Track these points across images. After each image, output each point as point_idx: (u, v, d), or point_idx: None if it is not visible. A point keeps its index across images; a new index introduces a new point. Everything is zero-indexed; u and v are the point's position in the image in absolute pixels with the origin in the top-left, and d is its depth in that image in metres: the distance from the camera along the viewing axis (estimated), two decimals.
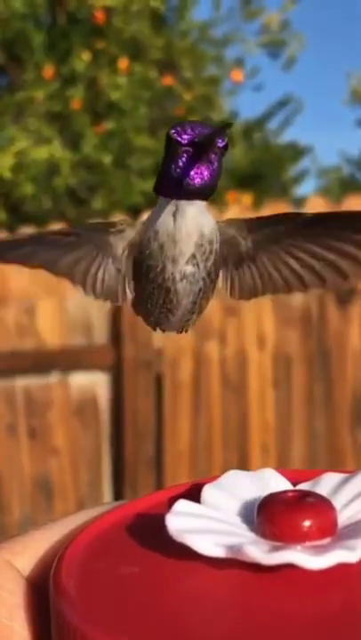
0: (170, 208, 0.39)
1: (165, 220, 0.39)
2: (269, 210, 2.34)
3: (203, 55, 4.66)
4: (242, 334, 2.24)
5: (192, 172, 0.38)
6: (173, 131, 0.39)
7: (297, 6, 5.03)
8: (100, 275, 0.42)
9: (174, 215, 0.39)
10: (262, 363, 2.25)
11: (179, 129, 0.39)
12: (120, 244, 0.41)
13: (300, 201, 3.05)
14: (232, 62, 4.93)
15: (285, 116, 5.14)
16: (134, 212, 3.01)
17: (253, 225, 0.41)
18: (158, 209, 0.40)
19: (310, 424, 2.26)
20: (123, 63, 4.20)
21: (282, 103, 5.12)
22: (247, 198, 3.83)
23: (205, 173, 0.38)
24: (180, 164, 0.38)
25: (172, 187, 0.39)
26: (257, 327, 2.24)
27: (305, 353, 2.25)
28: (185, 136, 0.38)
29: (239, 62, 4.97)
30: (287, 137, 5.20)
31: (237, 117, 5.09)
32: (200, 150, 0.38)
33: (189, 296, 0.41)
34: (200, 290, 0.41)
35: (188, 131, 0.38)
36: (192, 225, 0.39)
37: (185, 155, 0.38)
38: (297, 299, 2.24)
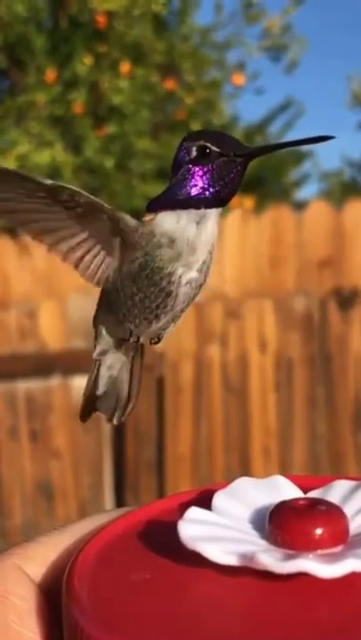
0: (191, 216, 0.39)
1: (187, 227, 0.39)
2: (272, 213, 2.34)
3: (204, 59, 4.66)
4: (243, 337, 2.24)
5: (216, 182, 0.39)
6: (201, 140, 0.39)
7: (298, 10, 5.03)
8: (92, 265, 0.42)
9: (198, 223, 0.39)
10: (264, 366, 2.25)
11: (203, 138, 0.39)
12: (116, 242, 0.41)
13: (301, 204, 3.05)
14: (234, 66, 4.93)
15: (287, 119, 5.14)
16: (136, 215, 3.00)
17: None
18: (175, 215, 0.39)
19: (312, 427, 2.26)
20: (124, 67, 4.21)
21: (283, 107, 5.12)
22: (249, 202, 3.83)
23: (229, 184, 0.39)
24: (204, 174, 0.39)
25: (194, 195, 0.39)
26: (258, 330, 2.24)
27: (306, 356, 2.25)
28: (214, 147, 0.38)
29: (241, 66, 4.97)
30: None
31: (239, 121, 5.09)
32: (227, 161, 0.38)
33: (184, 302, 0.41)
34: (193, 297, 0.41)
35: (212, 141, 0.39)
36: (210, 234, 0.40)
37: (209, 165, 0.38)
38: (299, 302, 2.24)
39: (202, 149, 0.39)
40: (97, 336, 0.45)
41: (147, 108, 4.18)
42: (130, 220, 0.41)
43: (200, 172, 0.39)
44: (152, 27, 4.36)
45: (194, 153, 0.39)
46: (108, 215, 0.41)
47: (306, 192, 6.01)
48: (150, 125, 4.23)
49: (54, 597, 0.26)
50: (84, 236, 0.42)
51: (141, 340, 0.43)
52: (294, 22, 5.16)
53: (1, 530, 2.24)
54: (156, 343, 0.44)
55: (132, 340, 0.43)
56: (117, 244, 0.41)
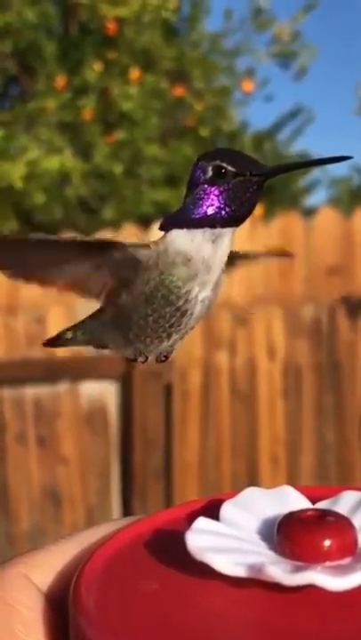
0: (207, 235, 0.39)
1: (202, 246, 0.39)
2: (281, 220, 2.34)
3: (214, 65, 4.67)
4: (252, 344, 2.24)
5: (232, 202, 0.39)
6: (217, 160, 0.39)
7: (308, 17, 5.04)
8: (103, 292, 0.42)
9: (213, 242, 0.39)
10: (272, 373, 2.25)
11: (219, 158, 0.39)
12: (128, 265, 0.40)
13: (310, 211, 3.05)
14: (243, 72, 4.95)
15: (296, 126, 5.15)
16: (144, 221, 3.01)
17: None
18: (189, 234, 0.39)
19: (320, 435, 2.25)
20: (134, 73, 4.22)
21: (292, 113, 5.12)
22: (258, 209, 3.84)
23: (245, 203, 0.39)
24: (220, 194, 0.39)
25: (210, 214, 0.39)
26: (267, 337, 2.24)
27: (315, 363, 2.24)
28: (230, 166, 0.38)
29: (250, 72, 4.98)
30: (298, 147, 5.20)
31: (248, 128, 5.10)
32: (243, 180, 0.38)
33: (197, 319, 0.41)
34: (204, 314, 0.41)
35: (228, 160, 0.38)
36: (225, 253, 0.40)
37: (225, 185, 0.38)
38: (307, 310, 2.24)
39: (218, 169, 0.39)
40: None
41: (156, 115, 4.19)
42: (138, 245, 0.41)
43: (216, 192, 0.39)
44: (162, 33, 4.38)
45: (210, 172, 0.39)
46: (115, 247, 0.40)
47: (315, 199, 6.01)
48: (159, 132, 4.25)
49: (61, 606, 0.26)
50: (96, 271, 0.41)
51: (149, 358, 0.43)
52: (303, 29, 5.16)
53: (8, 535, 2.24)
54: (164, 361, 0.44)
55: (140, 360, 0.43)
56: (127, 270, 0.41)
